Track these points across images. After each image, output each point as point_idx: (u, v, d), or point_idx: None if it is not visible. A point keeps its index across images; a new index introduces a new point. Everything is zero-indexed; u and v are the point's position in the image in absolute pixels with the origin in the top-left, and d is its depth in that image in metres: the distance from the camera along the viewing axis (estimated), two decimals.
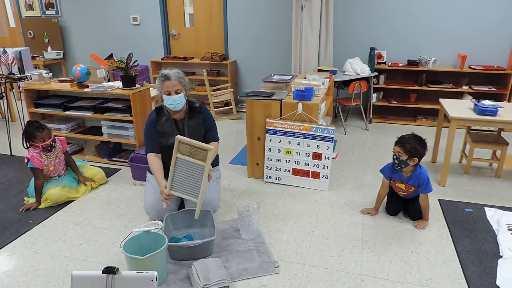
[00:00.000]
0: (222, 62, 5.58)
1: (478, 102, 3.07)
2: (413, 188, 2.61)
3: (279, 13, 5.31)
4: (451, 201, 2.93)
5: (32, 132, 2.89)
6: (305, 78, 3.82)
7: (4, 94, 4.58)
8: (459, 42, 4.79)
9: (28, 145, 2.96)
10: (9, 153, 3.99)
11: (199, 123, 2.69)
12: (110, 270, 1.31)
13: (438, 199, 2.96)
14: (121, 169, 3.61)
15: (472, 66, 4.68)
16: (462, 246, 2.37)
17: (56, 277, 2.14)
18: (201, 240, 2.20)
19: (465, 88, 4.73)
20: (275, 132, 3.13)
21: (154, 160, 2.60)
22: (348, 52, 5.14)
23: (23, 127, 2.94)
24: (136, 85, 3.55)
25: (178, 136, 2.33)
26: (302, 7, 4.45)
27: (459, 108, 3.22)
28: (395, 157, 2.56)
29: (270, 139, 3.16)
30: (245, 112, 5.29)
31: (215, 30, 5.84)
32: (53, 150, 2.99)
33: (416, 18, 4.84)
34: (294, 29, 4.62)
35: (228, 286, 1.98)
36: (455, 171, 3.50)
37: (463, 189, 3.15)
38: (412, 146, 2.48)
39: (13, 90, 5.52)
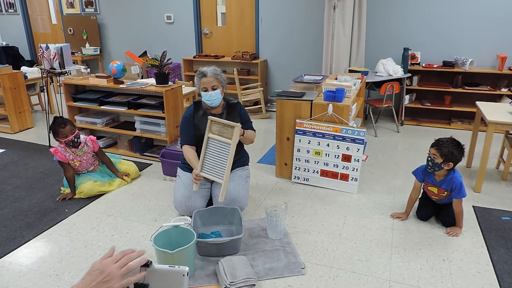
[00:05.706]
0: (253, 61, 5.61)
1: None
2: (446, 192, 2.53)
3: (310, 13, 5.26)
4: (486, 209, 2.82)
5: (55, 128, 2.99)
6: (336, 78, 3.78)
7: (44, 88, 4.80)
8: (498, 43, 4.58)
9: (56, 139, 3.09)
10: (48, 144, 4.18)
11: (236, 118, 2.75)
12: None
13: (473, 206, 2.85)
14: (152, 164, 3.70)
15: None
16: (498, 256, 2.28)
17: (88, 266, 2.22)
18: (228, 238, 2.23)
19: (504, 90, 4.52)
20: (304, 133, 3.12)
21: (189, 150, 2.71)
22: (381, 53, 5.03)
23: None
24: (169, 82, 3.63)
25: (210, 116, 2.52)
26: (334, 7, 4.40)
27: (497, 111, 3.09)
28: (429, 159, 2.49)
29: (300, 140, 3.15)
30: (274, 111, 5.29)
31: (246, 29, 5.87)
32: (79, 146, 3.06)
33: (453, 18, 4.67)
34: (326, 29, 4.57)
35: (254, 284, 1.99)
36: (492, 177, 3.36)
37: (499, 196, 3.02)
38: (449, 151, 2.40)
39: (53, 84, 5.77)
